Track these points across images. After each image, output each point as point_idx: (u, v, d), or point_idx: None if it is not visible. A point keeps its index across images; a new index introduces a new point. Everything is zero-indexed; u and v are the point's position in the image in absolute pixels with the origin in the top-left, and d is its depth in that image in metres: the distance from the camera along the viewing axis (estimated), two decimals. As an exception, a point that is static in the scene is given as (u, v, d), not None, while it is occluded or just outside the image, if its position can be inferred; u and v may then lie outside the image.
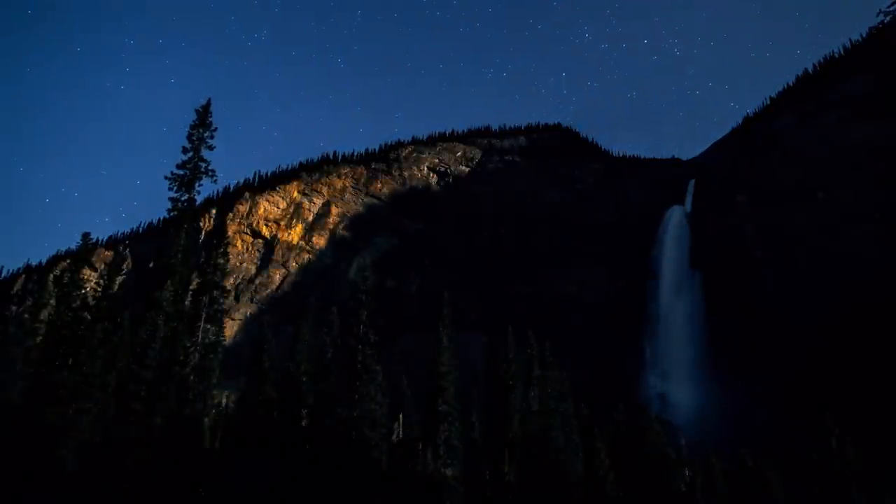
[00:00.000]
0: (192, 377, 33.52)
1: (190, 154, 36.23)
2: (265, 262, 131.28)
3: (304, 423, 38.64)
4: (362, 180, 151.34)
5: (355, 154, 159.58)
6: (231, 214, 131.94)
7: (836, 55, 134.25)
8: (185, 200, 35.69)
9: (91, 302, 32.69)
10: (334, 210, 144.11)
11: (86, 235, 39.07)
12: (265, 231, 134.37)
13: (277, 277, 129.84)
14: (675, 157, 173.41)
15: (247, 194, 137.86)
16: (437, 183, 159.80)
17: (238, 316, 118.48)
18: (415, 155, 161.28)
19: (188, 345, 33.86)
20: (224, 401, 55.38)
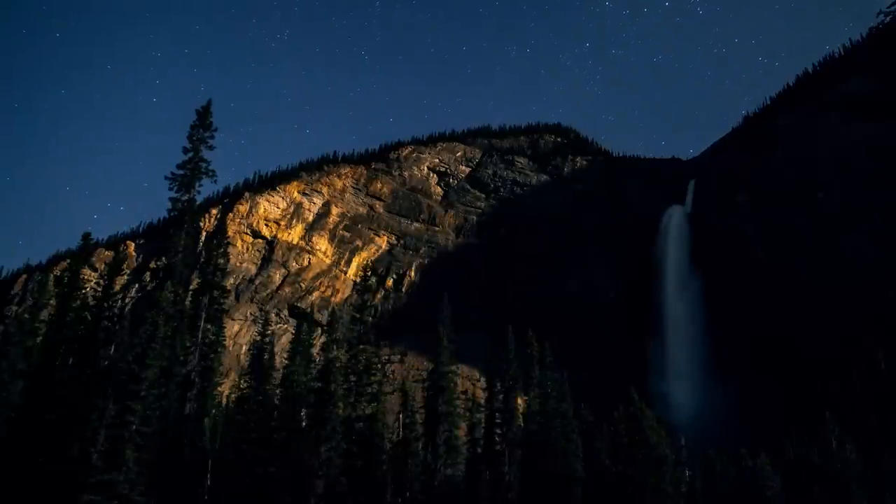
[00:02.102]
0: (192, 377, 33.55)
1: (190, 154, 36.31)
2: (265, 262, 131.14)
3: (303, 424, 38.63)
4: (362, 180, 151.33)
5: (355, 154, 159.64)
6: (231, 214, 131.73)
7: (836, 55, 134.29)
8: (185, 200, 35.77)
9: (91, 302, 32.71)
10: (334, 210, 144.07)
11: (86, 235, 39.12)
12: (265, 231, 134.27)
13: (277, 277, 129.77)
14: (675, 156, 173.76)
15: (247, 194, 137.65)
16: (437, 183, 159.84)
17: (238, 316, 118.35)
18: (415, 155, 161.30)
19: (188, 345, 33.89)
20: (224, 401, 55.36)
